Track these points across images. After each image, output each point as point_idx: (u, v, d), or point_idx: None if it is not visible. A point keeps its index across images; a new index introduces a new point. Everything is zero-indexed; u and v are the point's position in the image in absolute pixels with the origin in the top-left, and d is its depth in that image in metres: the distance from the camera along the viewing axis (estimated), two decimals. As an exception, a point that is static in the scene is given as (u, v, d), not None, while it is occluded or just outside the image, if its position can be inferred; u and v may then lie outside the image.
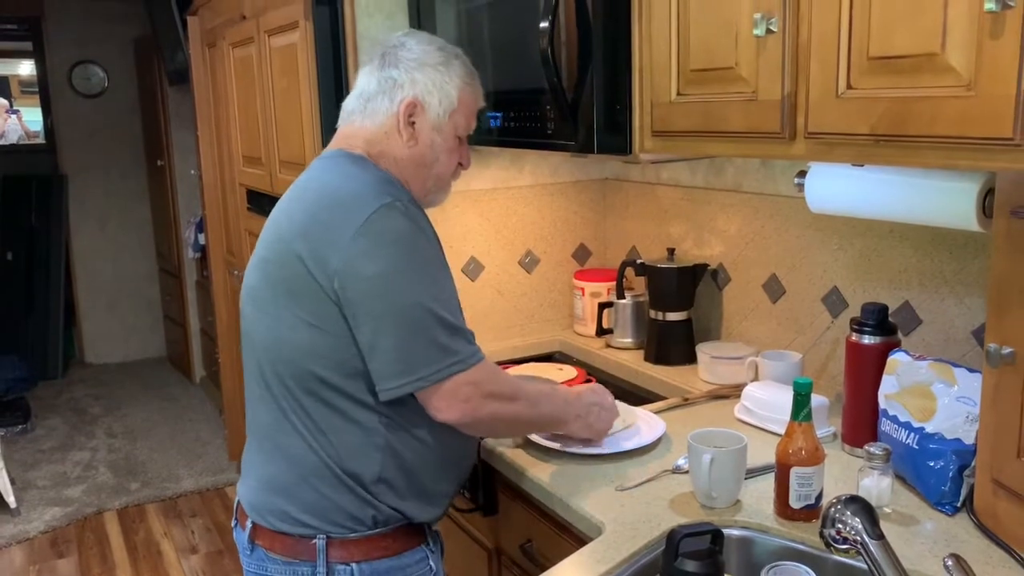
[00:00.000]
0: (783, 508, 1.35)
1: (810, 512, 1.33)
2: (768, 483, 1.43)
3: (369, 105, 1.44)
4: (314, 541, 1.36)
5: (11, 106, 6.86)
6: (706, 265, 2.12)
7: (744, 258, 2.06)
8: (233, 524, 1.53)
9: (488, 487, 1.74)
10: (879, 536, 0.92)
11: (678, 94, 1.44)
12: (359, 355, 1.31)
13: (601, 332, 2.30)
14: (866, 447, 1.36)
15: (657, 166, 2.30)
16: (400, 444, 1.37)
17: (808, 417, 1.34)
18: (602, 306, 2.30)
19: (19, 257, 5.68)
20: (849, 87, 1.14)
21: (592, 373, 2.21)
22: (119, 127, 5.73)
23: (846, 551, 0.95)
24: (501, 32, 1.84)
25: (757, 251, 2.02)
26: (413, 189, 1.44)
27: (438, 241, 1.39)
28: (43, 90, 6.19)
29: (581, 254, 2.51)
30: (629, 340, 2.27)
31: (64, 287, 5.67)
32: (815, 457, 1.33)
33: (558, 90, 1.59)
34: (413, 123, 1.43)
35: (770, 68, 1.26)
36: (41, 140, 6.41)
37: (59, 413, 4.98)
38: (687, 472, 1.50)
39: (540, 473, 1.55)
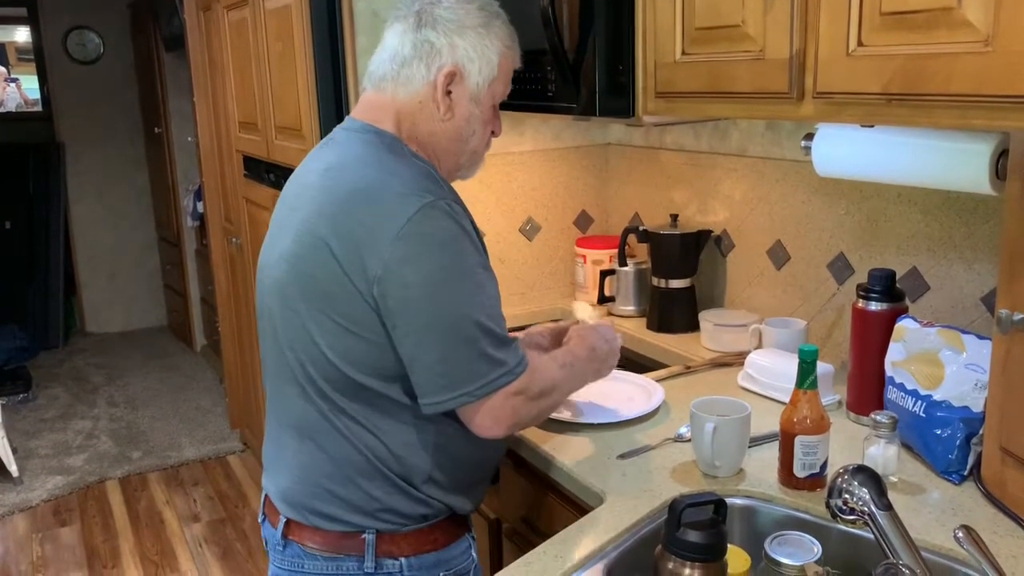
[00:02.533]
0: (787, 477, 1.33)
1: (814, 481, 1.31)
2: (772, 452, 1.41)
3: (403, 71, 1.30)
4: (363, 536, 1.31)
5: (9, 74, 6.77)
6: (710, 231, 2.09)
7: (749, 224, 2.02)
8: (261, 520, 1.45)
9: (488, 456, 1.73)
10: (887, 507, 0.90)
11: (682, 54, 1.40)
12: (399, 362, 1.23)
13: (603, 300, 2.28)
14: (872, 415, 1.34)
15: (661, 130, 2.25)
16: (447, 441, 1.31)
17: (813, 385, 1.31)
18: (604, 274, 2.27)
19: (18, 226, 5.64)
20: (860, 44, 1.10)
21: (594, 341, 2.19)
22: (116, 94, 5.67)
23: (853, 522, 0.93)
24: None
25: (762, 217, 1.98)
26: (444, 165, 1.35)
27: (481, 240, 1.28)
28: (39, 57, 6.12)
29: (583, 221, 2.48)
30: (631, 308, 2.25)
31: (64, 256, 5.64)
32: (820, 426, 1.31)
33: (559, 51, 1.55)
34: (450, 93, 1.30)
35: (778, 25, 1.21)
36: (37, 108, 6.35)
37: (60, 382, 4.97)
38: (689, 440, 1.48)
39: (541, 442, 1.53)
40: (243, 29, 2.75)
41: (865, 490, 0.90)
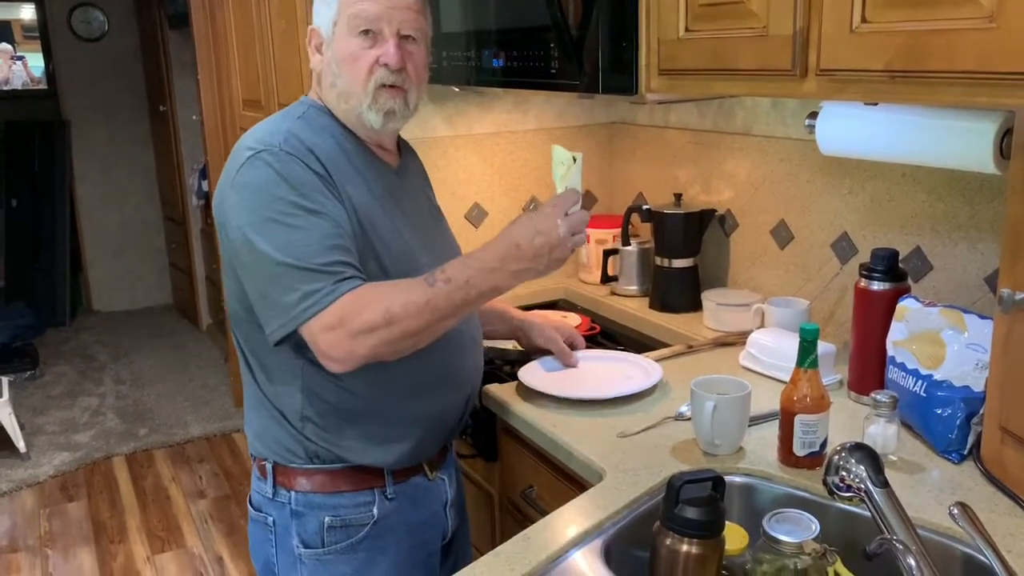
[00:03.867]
0: (787, 455, 1.33)
1: (814, 460, 1.31)
2: (772, 431, 1.41)
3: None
4: (265, 463, 1.44)
5: (15, 51, 6.75)
6: (714, 211, 2.08)
7: (753, 203, 2.01)
8: None
9: (489, 433, 1.73)
10: (883, 484, 0.90)
11: (686, 30, 1.39)
12: None
13: (606, 279, 2.27)
14: (872, 395, 1.34)
15: (665, 109, 2.24)
16: (317, 386, 1.36)
17: (814, 364, 1.31)
18: (607, 253, 2.26)
19: (24, 204, 5.65)
20: (864, 20, 1.09)
21: (596, 320, 2.19)
22: (120, 72, 5.66)
23: (849, 499, 0.93)
24: (504, -32, 1.77)
25: (766, 196, 1.97)
26: (344, 117, 1.40)
27: (318, 180, 1.30)
28: (43, 34, 6.10)
29: (587, 200, 2.47)
30: (634, 287, 2.24)
31: (70, 234, 5.65)
32: (820, 404, 1.31)
33: (562, 27, 1.54)
34: (319, 49, 1.41)
35: (782, 2, 1.20)
36: (43, 85, 6.34)
37: (67, 360, 5.00)
38: (690, 419, 1.48)
39: (541, 420, 1.53)
40: (246, 7, 2.73)
41: (862, 467, 0.90)
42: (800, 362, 1.32)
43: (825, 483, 0.95)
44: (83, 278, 5.89)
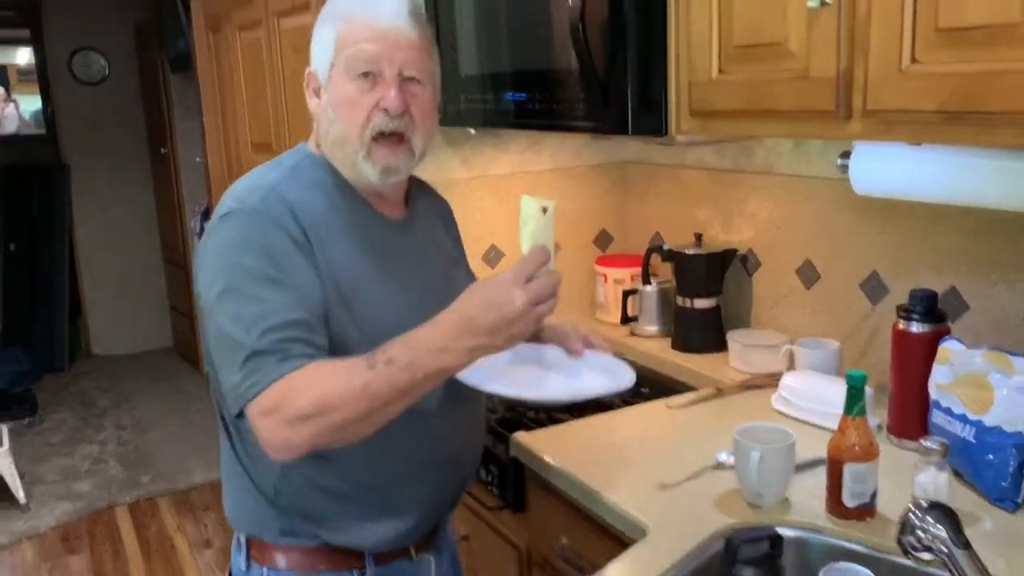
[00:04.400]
0: (836, 506, 1.29)
1: (864, 510, 1.27)
2: (815, 479, 1.37)
3: None
4: (240, 535, 1.37)
5: (8, 95, 6.76)
6: (735, 250, 2.06)
7: (776, 243, 1.99)
8: None
9: (517, 483, 1.68)
10: (965, 545, 0.86)
11: (719, 72, 1.37)
12: None
13: (626, 320, 2.24)
14: (921, 441, 1.29)
15: (682, 148, 2.22)
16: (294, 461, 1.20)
17: (862, 411, 1.27)
18: (626, 293, 2.23)
19: (22, 248, 5.61)
20: (914, 61, 1.07)
21: (617, 363, 2.15)
22: (121, 115, 5.65)
23: (928, 561, 0.89)
24: (524, 10, 1.76)
25: (790, 235, 1.94)
26: (340, 166, 1.30)
27: (292, 244, 1.19)
28: (42, 78, 6.10)
29: (602, 239, 2.44)
30: (654, 328, 2.21)
31: (69, 278, 5.60)
32: (869, 453, 1.27)
33: (589, 69, 1.52)
34: (317, 94, 1.30)
35: (823, 43, 1.18)
36: (41, 129, 6.34)
37: (67, 406, 4.93)
38: (730, 468, 1.44)
39: (571, 466, 1.49)
40: (257, 48, 2.72)
41: (941, 528, 0.86)
42: (848, 409, 1.28)
43: (900, 543, 0.91)
44: (82, 322, 5.83)
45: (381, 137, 1.25)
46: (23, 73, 6.78)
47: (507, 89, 1.82)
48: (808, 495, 1.35)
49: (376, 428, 1.15)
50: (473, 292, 1.14)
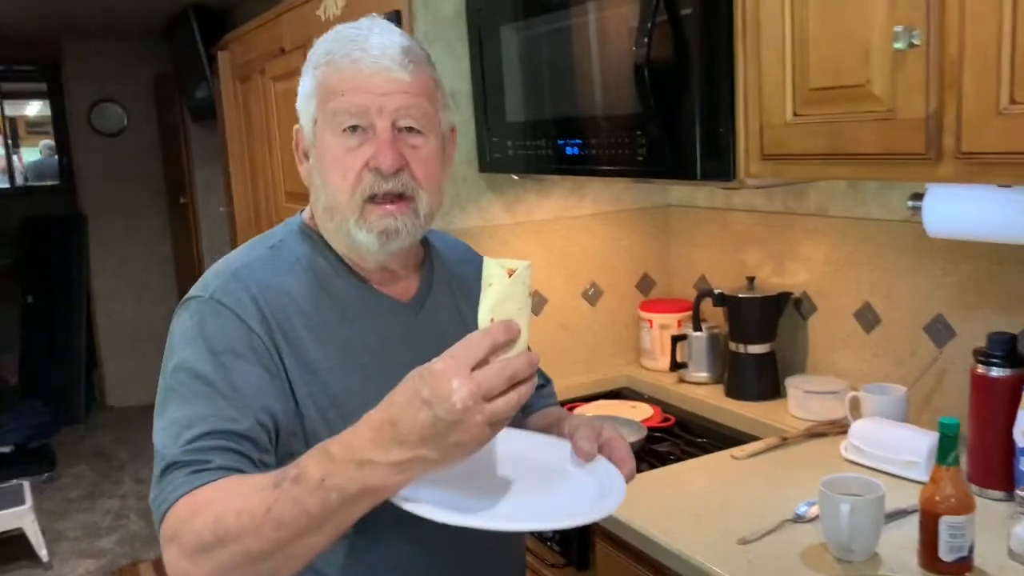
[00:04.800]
0: (931, 561, 1.23)
1: (962, 565, 1.22)
2: (900, 531, 1.33)
3: None
4: None
5: (15, 145, 6.76)
6: (790, 293, 2.02)
7: (832, 286, 1.95)
8: None
9: (581, 539, 1.63)
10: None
11: (794, 115, 1.35)
12: None
13: (675, 367, 2.19)
14: (1018, 491, 1.25)
15: (728, 192, 2.20)
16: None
17: (956, 461, 1.23)
18: (675, 339, 2.19)
19: (40, 300, 5.58)
20: (1013, 102, 1.04)
21: (668, 411, 2.10)
22: (139, 165, 5.67)
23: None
24: (574, 55, 1.75)
25: (847, 278, 1.91)
26: (331, 241, 1.13)
27: (249, 339, 1.02)
28: (60, 130, 6.14)
29: (645, 284, 2.41)
30: (705, 374, 2.16)
31: (86, 328, 5.57)
32: (966, 505, 1.22)
33: (653, 113, 1.49)
34: (307, 155, 1.13)
35: (910, 85, 1.16)
36: (56, 181, 6.36)
37: (84, 459, 4.86)
38: (810, 521, 1.40)
39: (643, 521, 1.43)
40: (293, 98, 2.72)
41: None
42: (941, 459, 1.23)
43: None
44: (97, 373, 5.78)
45: (374, 202, 1.06)
46: (31, 125, 6.83)
47: (559, 135, 1.81)
48: (897, 548, 1.30)
49: (296, 569, 0.90)
50: (406, 381, 0.85)
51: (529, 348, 0.89)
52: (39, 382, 5.45)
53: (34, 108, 6.73)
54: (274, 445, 1.01)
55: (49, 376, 5.49)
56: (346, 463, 0.85)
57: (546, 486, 1.03)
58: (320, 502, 0.85)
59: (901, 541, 1.31)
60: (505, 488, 1.01)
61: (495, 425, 0.84)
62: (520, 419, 1.23)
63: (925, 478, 1.45)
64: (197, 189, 5.13)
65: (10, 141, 6.55)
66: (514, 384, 0.84)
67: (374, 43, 1.06)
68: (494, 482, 1.02)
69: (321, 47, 1.09)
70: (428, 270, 1.21)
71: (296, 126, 1.14)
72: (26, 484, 3.66)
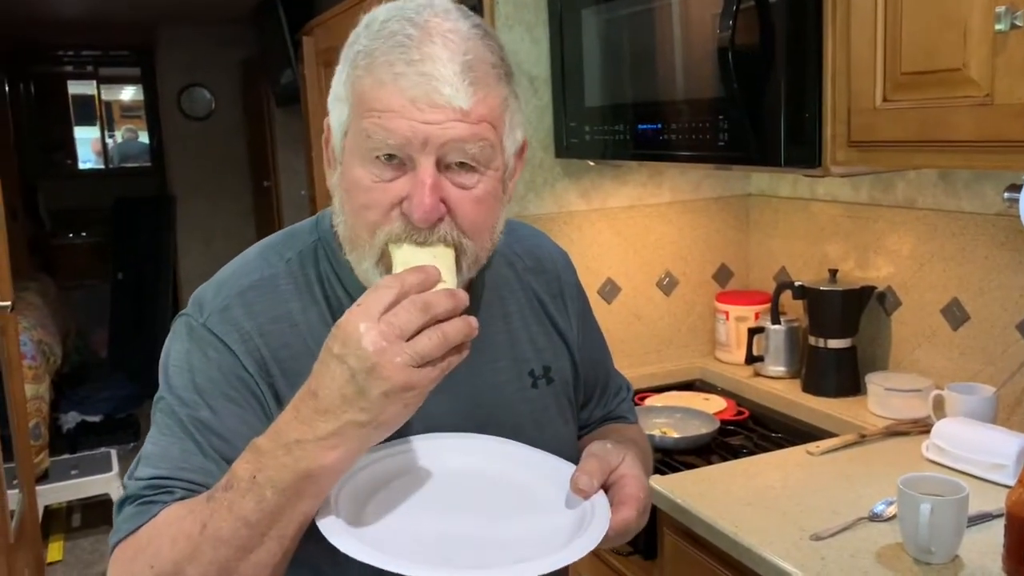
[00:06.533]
0: (1017, 567, 1.18)
1: (1050, 573, 1.16)
2: (982, 534, 1.28)
3: None
4: None
5: (113, 129, 7.01)
6: (873, 287, 1.96)
7: (918, 281, 1.88)
8: None
9: (649, 527, 1.61)
10: None
11: (884, 100, 1.30)
12: None
13: (751, 360, 2.15)
14: (1115, 499, 1.18)
15: (811, 181, 2.14)
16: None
17: (1047, 464, 1.17)
18: (752, 332, 2.15)
19: (129, 277, 5.80)
20: (1124, 86, 0.99)
21: (742, 404, 2.06)
22: (225, 148, 5.84)
23: None
24: (655, 38, 1.72)
25: (934, 273, 1.84)
26: (353, 262, 0.93)
27: (236, 375, 0.91)
28: (152, 113, 6.36)
29: (722, 275, 2.37)
30: (782, 368, 2.11)
31: (172, 306, 5.77)
32: (1057, 510, 1.16)
33: (737, 97, 1.46)
34: (332, 162, 0.95)
35: (1012, 68, 1.10)
36: (147, 163, 6.59)
37: (167, 431, 5.03)
38: (887, 520, 1.35)
39: (715, 513, 1.41)
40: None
41: None
42: (1032, 461, 1.18)
43: None
44: (182, 349, 5.97)
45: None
46: (126, 110, 7.09)
47: (637, 120, 1.78)
48: (979, 553, 1.25)
49: None
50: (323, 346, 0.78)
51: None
52: (126, 356, 5.66)
53: (128, 93, 6.98)
54: None
55: (136, 350, 5.70)
56: (274, 452, 0.77)
57: (509, 522, 0.89)
58: (255, 503, 0.78)
59: (983, 546, 1.26)
60: (464, 516, 0.89)
61: (426, 367, 0.74)
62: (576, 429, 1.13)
63: (1012, 482, 1.40)
64: (280, 173, 5.24)
65: (106, 125, 6.82)
66: (438, 320, 0.74)
67: (427, 52, 0.83)
68: (456, 507, 0.91)
69: (363, 39, 0.88)
70: (479, 282, 1.01)
71: (326, 119, 0.93)
72: (113, 452, 3.81)
